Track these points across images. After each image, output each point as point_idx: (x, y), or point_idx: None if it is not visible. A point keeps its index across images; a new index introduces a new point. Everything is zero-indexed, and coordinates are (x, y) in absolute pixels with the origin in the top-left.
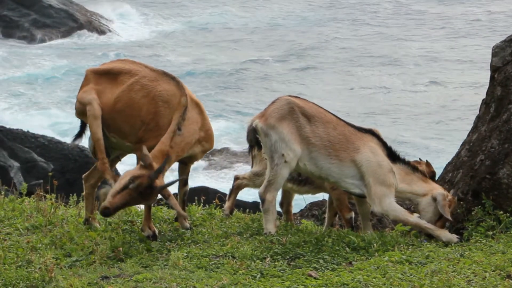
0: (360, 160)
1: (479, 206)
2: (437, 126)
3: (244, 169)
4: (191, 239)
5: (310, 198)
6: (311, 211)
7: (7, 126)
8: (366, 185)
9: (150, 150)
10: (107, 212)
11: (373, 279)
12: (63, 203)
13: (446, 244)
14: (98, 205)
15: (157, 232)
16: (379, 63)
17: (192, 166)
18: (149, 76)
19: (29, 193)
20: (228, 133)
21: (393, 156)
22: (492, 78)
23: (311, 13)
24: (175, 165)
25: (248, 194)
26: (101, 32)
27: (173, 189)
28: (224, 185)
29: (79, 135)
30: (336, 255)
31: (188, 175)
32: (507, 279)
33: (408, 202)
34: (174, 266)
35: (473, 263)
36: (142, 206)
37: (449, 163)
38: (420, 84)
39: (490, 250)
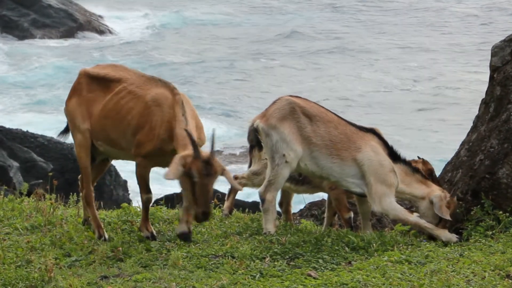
0: (362, 159)
1: (479, 206)
2: (436, 125)
3: (242, 169)
4: None
5: (309, 198)
6: (311, 211)
7: (7, 126)
8: (367, 184)
9: (147, 155)
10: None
11: (373, 279)
12: (63, 203)
13: (446, 243)
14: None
15: (155, 232)
16: (377, 60)
17: None
18: (137, 82)
19: (29, 193)
20: (227, 133)
21: (394, 155)
22: (491, 78)
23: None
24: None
25: (248, 194)
26: (101, 32)
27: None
28: (223, 185)
29: (66, 131)
30: (336, 255)
31: None
32: (506, 279)
33: (408, 202)
34: (174, 265)
35: (473, 262)
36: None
37: (448, 163)
38: (418, 82)
39: (490, 250)
